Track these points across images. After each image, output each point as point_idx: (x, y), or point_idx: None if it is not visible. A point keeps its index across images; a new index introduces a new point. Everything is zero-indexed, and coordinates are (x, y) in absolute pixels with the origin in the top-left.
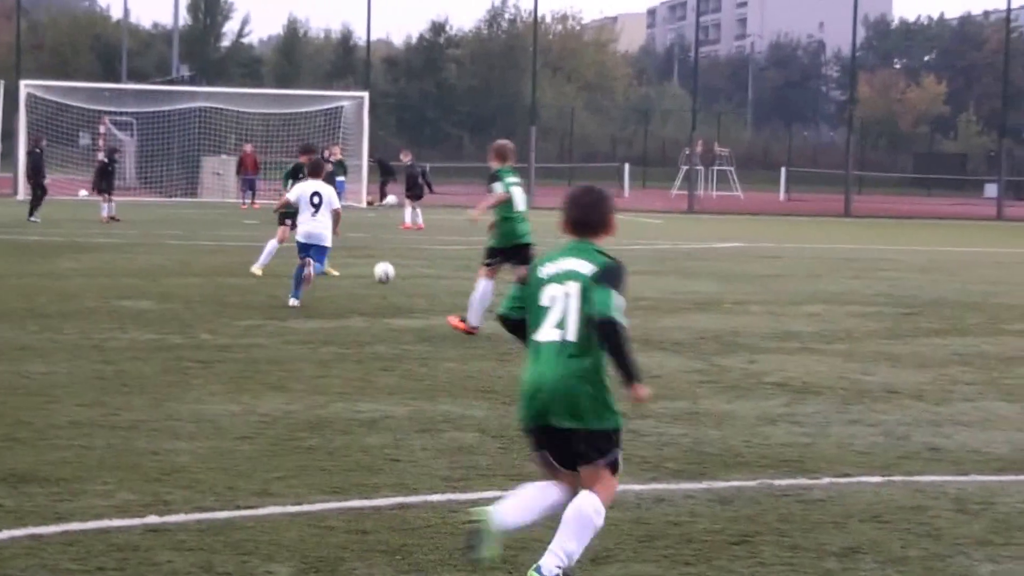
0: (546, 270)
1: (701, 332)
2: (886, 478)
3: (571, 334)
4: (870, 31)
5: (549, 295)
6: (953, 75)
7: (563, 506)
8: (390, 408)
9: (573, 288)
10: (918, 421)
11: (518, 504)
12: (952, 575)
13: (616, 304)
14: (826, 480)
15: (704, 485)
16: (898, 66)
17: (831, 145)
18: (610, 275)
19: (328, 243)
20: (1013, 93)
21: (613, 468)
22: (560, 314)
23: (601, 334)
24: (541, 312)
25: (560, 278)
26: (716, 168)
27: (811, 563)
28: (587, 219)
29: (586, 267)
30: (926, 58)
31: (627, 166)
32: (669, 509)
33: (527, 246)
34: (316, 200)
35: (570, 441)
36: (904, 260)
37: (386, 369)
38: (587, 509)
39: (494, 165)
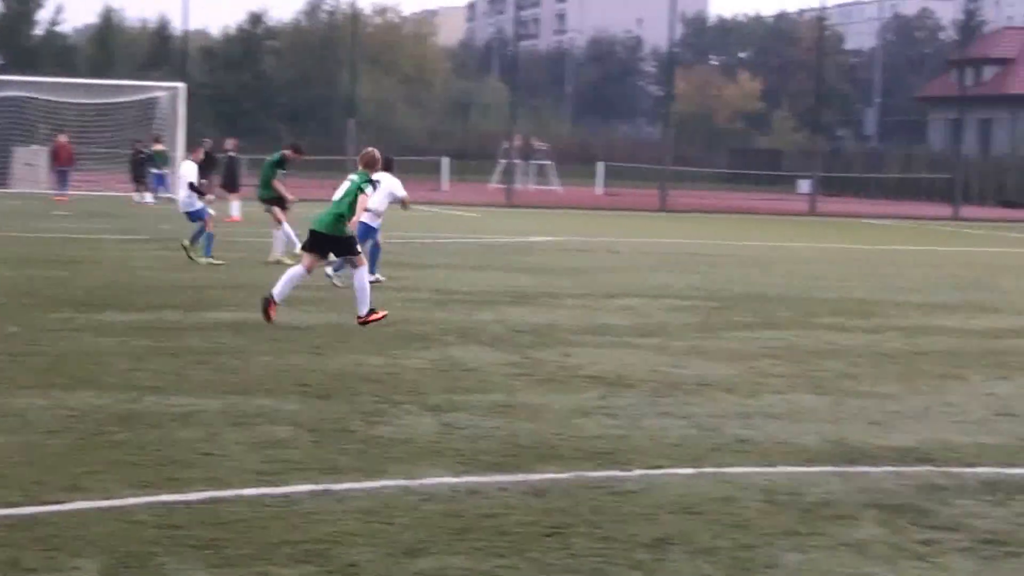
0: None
1: (517, 325)
2: (697, 470)
3: None
4: (687, 28)
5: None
6: (768, 72)
7: None
8: (203, 402)
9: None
10: (728, 413)
11: None
12: (759, 565)
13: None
14: (638, 472)
15: (518, 477)
16: (715, 63)
17: (649, 140)
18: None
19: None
20: (826, 91)
21: None
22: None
23: None
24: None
25: None
26: (534, 162)
27: (622, 554)
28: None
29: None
30: (742, 55)
31: (446, 159)
32: (483, 502)
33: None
34: None
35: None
36: (718, 254)
37: (200, 363)
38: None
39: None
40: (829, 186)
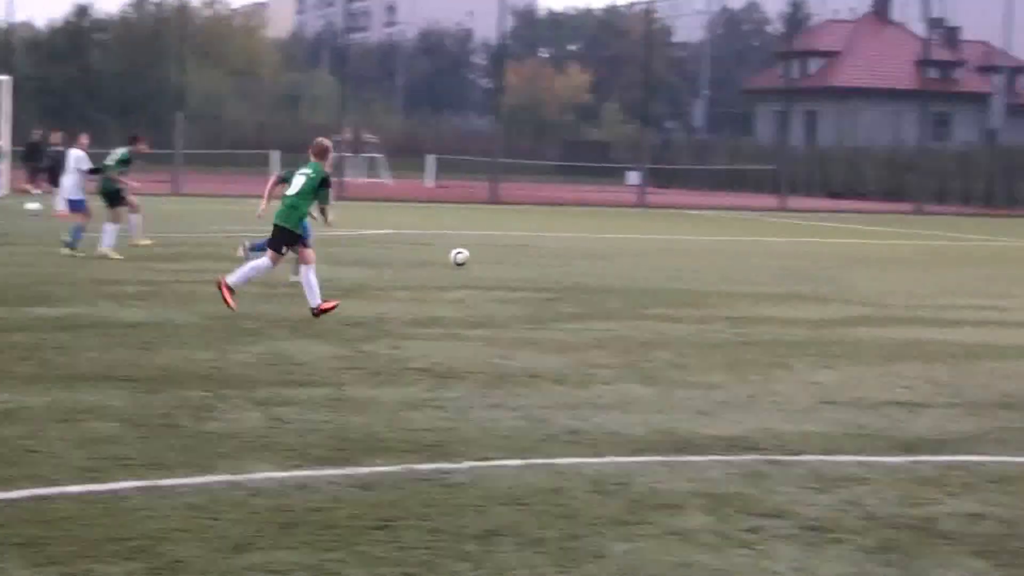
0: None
1: (346, 319)
2: (526, 461)
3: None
4: (517, 20)
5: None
6: (598, 65)
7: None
8: (27, 398)
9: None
10: (558, 404)
11: None
12: (588, 555)
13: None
14: (467, 464)
15: (347, 471)
16: (545, 55)
17: (479, 133)
18: None
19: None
20: (655, 83)
21: None
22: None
23: None
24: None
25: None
26: (365, 155)
27: (451, 546)
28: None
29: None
30: (572, 48)
31: (276, 153)
32: (311, 496)
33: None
34: None
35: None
36: (548, 246)
37: (24, 358)
38: None
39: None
40: (658, 178)
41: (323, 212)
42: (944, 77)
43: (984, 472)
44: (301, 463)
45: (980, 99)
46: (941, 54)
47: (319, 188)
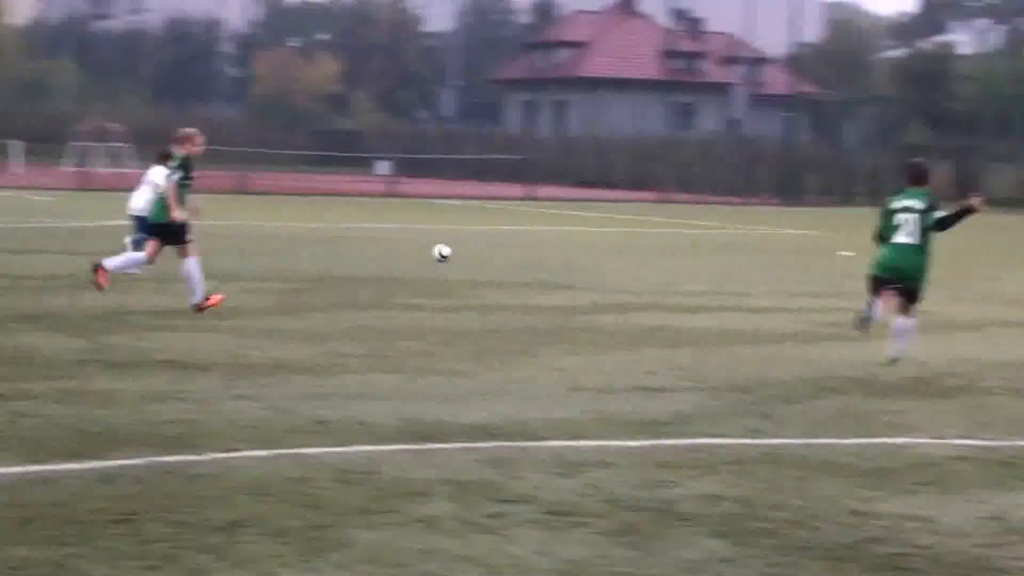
0: None
1: (87, 310)
2: (272, 452)
3: None
4: (266, 9)
5: None
6: (348, 54)
7: None
8: None
9: None
10: (305, 395)
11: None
12: (332, 544)
13: None
14: (211, 456)
15: (88, 465)
16: (294, 45)
17: (228, 122)
18: None
19: None
20: (404, 73)
21: None
22: None
23: None
24: None
25: None
26: (109, 144)
27: (194, 538)
28: None
29: None
30: (321, 37)
31: (18, 142)
32: (50, 490)
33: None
34: None
35: None
36: (296, 236)
37: None
38: None
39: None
40: (408, 167)
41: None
42: (688, 68)
43: (722, 454)
44: (41, 457)
45: (723, 90)
46: (685, 45)
47: (184, 180)
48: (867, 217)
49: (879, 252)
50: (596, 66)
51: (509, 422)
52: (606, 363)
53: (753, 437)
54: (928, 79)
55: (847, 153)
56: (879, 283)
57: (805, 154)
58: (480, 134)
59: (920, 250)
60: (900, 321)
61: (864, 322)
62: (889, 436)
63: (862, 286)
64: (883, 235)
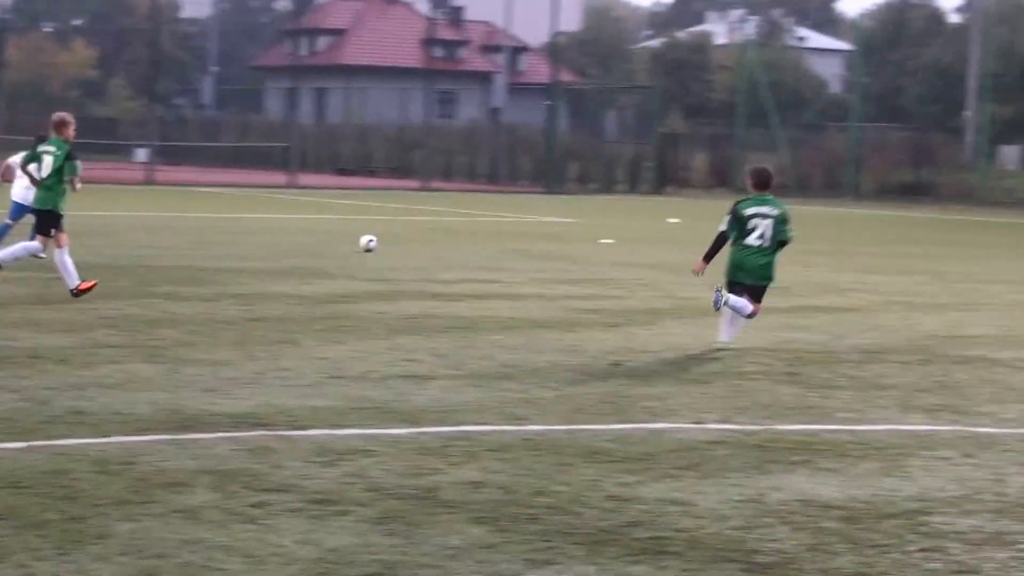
0: None
1: None
2: (27, 444)
3: None
4: None
5: None
6: (103, 40)
7: None
8: None
9: None
10: (62, 385)
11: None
12: (90, 536)
13: None
14: None
15: None
16: (48, 30)
17: None
18: None
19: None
20: (161, 59)
21: None
22: None
23: None
24: None
25: None
26: None
27: None
28: None
29: None
30: (76, 23)
31: None
32: None
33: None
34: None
35: None
36: None
37: None
38: None
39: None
40: (167, 155)
41: (71, 183)
42: (449, 56)
43: (485, 441)
44: None
45: (484, 78)
46: (446, 33)
47: (66, 162)
48: (627, 205)
49: (733, 256)
50: (356, 54)
51: (271, 411)
52: (368, 351)
53: (515, 424)
54: (686, 68)
55: (607, 142)
56: (732, 285)
57: (565, 142)
58: (241, 121)
59: (771, 253)
60: (745, 309)
61: (718, 302)
62: (649, 422)
63: (623, 273)
64: (728, 238)
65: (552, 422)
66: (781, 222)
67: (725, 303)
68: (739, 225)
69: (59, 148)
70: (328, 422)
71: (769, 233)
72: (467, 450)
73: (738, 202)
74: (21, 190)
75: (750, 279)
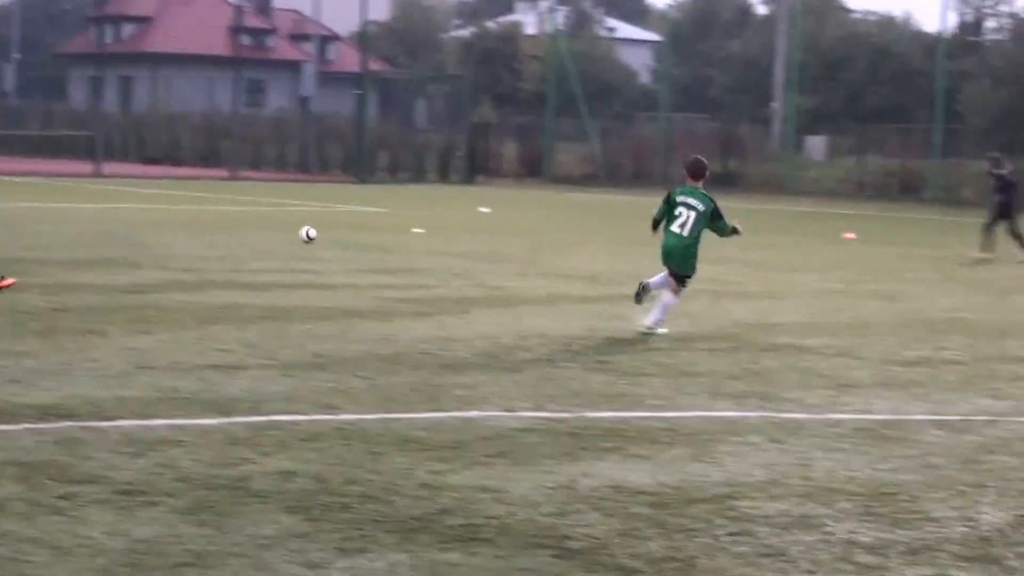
0: None
1: None
2: None
3: None
4: None
5: None
6: None
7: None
8: None
9: None
10: None
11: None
12: None
13: None
14: None
15: None
16: None
17: None
18: None
19: None
20: None
21: None
22: None
23: None
24: None
25: None
26: None
27: None
28: None
29: None
30: None
31: None
32: None
33: None
34: None
35: None
36: None
37: None
38: None
39: None
40: None
41: None
42: (257, 44)
43: (297, 431)
44: None
45: (293, 67)
46: (254, 21)
47: None
48: (438, 194)
49: (663, 240)
50: (162, 42)
51: (78, 402)
52: (177, 341)
53: (327, 413)
54: (496, 58)
55: (418, 131)
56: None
57: (376, 132)
58: (44, 110)
59: (691, 242)
60: (666, 296)
61: (642, 292)
62: (461, 410)
63: (435, 263)
64: (659, 220)
65: (364, 411)
66: (707, 218)
67: (644, 289)
68: (669, 209)
69: None
70: (137, 412)
71: (690, 225)
72: (279, 440)
73: (674, 188)
74: None
75: (674, 266)
